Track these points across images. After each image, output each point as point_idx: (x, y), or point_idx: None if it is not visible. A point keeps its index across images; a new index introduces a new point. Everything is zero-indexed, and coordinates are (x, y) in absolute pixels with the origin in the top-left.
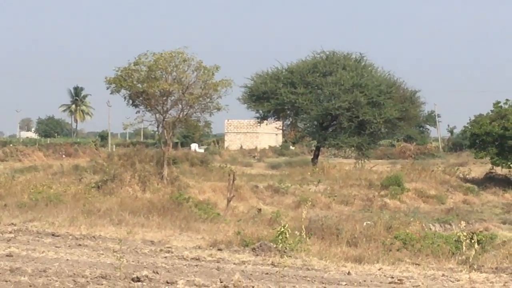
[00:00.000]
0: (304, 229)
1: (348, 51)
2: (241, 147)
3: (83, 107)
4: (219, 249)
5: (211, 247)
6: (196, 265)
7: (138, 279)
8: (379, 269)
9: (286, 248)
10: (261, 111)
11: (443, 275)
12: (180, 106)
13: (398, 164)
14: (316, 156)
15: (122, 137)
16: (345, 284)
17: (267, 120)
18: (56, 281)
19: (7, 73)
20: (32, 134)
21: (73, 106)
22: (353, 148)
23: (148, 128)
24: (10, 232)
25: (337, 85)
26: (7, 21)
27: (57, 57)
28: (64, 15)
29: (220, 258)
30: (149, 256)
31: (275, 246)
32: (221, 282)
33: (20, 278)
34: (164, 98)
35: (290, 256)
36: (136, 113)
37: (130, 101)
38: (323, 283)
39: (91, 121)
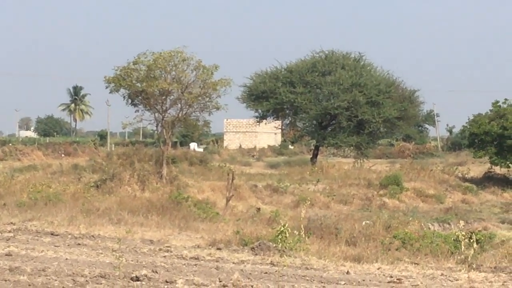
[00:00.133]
0: (303, 229)
1: (347, 50)
2: (240, 146)
3: (82, 106)
4: (218, 249)
5: (210, 247)
6: (195, 265)
7: (137, 278)
8: (378, 269)
9: (285, 248)
10: (260, 111)
11: (442, 274)
12: (179, 105)
13: (397, 163)
14: (315, 156)
15: (121, 136)
16: (344, 284)
17: (266, 119)
18: (55, 280)
19: (7, 73)
20: (31, 133)
21: (72, 105)
22: (352, 147)
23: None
24: (9, 231)
25: (336, 84)
26: (6, 21)
27: (57, 56)
28: (64, 14)
29: (219, 257)
30: (148, 255)
31: (274, 245)
32: (220, 281)
33: (19, 277)
34: (163, 97)
35: (289, 256)
36: (135, 112)
37: (129, 100)
38: (322, 282)
39: (90, 120)
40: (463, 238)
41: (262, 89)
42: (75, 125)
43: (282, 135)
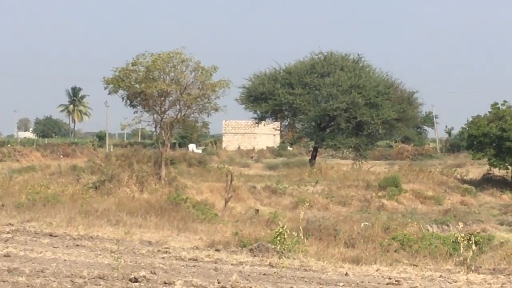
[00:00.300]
0: (301, 230)
1: (346, 52)
2: (239, 147)
3: (81, 108)
4: (217, 250)
5: (208, 248)
6: (194, 266)
7: (135, 280)
8: (377, 270)
9: (283, 249)
10: (259, 112)
11: (440, 276)
12: (178, 106)
13: (395, 165)
14: (313, 157)
15: (120, 138)
16: (343, 285)
17: (265, 120)
18: (54, 281)
19: (5, 73)
20: (30, 134)
21: (71, 106)
22: (350, 149)
23: (146, 128)
24: (8, 232)
25: (335, 86)
26: (5, 21)
27: (55, 57)
28: (63, 15)
29: (218, 258)
30: (146, 256)
31: (272, 247)
32: (218, 282)
33: (17, 279)
34: (162, 98)
35: (287, 257)
36: (134, 113)
37: (128, 102)
38: (320, 284)
39: (89, 122)
40: (462, 240)
41: (261, 91)
42: (74, 126)
43: (281, 136)
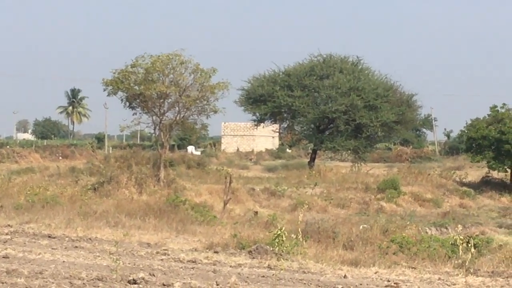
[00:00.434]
0: (300, 232)
1: (345, 54)
2: (238, 149)
3: (80, 109)
4: (216, 252)
5: (207, 250)
6: (193, 268)
7: (134, 281)
8: (375, 273)
9: (282, 251)
10: (258, 114)
11: (439, 278)
12: (177, 108)
13: (394, 167)
14: (312, 159)
15: (119, 139)
16: (341, 287)
17: (264, 123)
18: (53, 283)
19: (4, 74)
20: (28, 136)
21: (70, 108)
22: (349, 151)
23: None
24: (7, 234)
25: (334, 88)
26: (4, 22)
27: (55, 58)
28: (62, 16)
29: (217, 260)
30: (145, 258)
31: (271, 249)
32: (217, 284)
33: (16, 280)
34: (161, 100)
35: (286, 259)
36: (133, 115)
37: (127, 103)
38: (319, 286)
39: (88, 123)
40: (461, 242)
41: (260, 93)
42: (73, 127)
43: (280, 138)
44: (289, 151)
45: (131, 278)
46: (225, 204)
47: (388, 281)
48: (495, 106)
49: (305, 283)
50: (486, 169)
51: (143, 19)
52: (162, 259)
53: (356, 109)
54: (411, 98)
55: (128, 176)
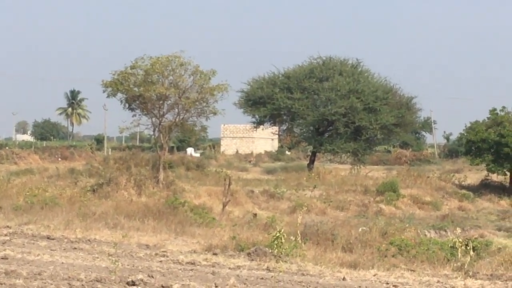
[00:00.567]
0: (299, 234)
1: (344, 56)
2: (237, 151)
3: (80, 111)
4: (214, 254)
5: (206, 252)
6: (191, 270)
7: (133, 283)
8: (374, 275)
9: (281, 253)
10: (257, 116)
11: (438, 281)
12: (176, 110)
13: (393, 170)
14: (312, 162)
15: (118, 141)
16: None
17: (263, 125)
18: (51, 284)
19: (4, 75)
20: (28, 137)
21: (70, 109)
22: (349, 153)
23: (144, 132)
24: (6, 235)
25: (333, 90)
26: (4, 23)
27: (54, 59)
28: (62, 16)
29: (215, 262)
30: (144, 260)
31: (270, 251)
32: (216, 286)
33: (15, 281)
34: (161, 102)
35: (285, 261)
36: (133, 117)
37: (127, 105)
38: None
39: (87, 125)
40: (460, 245)
41: (259, 95)
42: (72, 129)
43: (279, 140)
44: (289, 153)
45: (130, 279)
46: (224, 206)
47: (387, 283)
48: (495, 109)
49: (304, 285)
50: (485, 172)
51: (143, 19)
52: (161, 261)
53: (355, 111)
54: (411, 100)
55: (127, 177)
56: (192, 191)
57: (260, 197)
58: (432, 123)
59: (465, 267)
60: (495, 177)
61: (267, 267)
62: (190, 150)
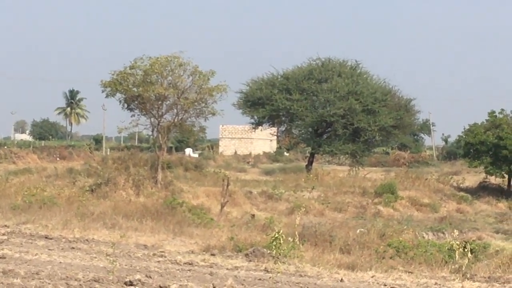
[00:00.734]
0: (297, 236)
1: (344, 58)
2: (236, 152)
3: (78, 110)
4: (212, 254)
5: (204, 252)
6: (189, 270)
7: (130, 283)
8: (372, 277)
9: (279, 254)
10: (256, 117)
11: (436, 283)
12: (175, 110)
13: (392, 172)
14: (310, 163)
15: (117, 141)
16: None
17: (262, 126)
18: (49, 283)
19: (3, 75)
20: (26, 137)
21: (68, 109)
22: (347, 155)
23: (142, 132)
24: (3, 234)
25: (332, 92)
26: (3, 22)
27: (54, 58)
28: (61, 16)
29: (213, 263)
30: (142, 260)
31: (268, 252)
32: (214, 287)
33: (12, 281)
34: (159, 102)
35: (283, 262)
36: (131, 117)
37: (125, 105)
38: None
39: (86, 124)
40: (458, 247)
41: (258, 96)
42: (71, 129)
43: (278, 142)
44: (287, 154)
45: (128, 279)
46: (222, 206)
47: (385, 285)
48: (493, 112)
49: (301, 287)
50: (484, 175)
51: (143, 19)
52: (158, 261)
53: (354, 113)
54: (409, 102)
55: (126, 177)
56: (191, 192)
57: (258, 198)
58: (431, 125)
59: (463, 269)
60: (493, 180)
61: (265, 268)
62: (188, 151)
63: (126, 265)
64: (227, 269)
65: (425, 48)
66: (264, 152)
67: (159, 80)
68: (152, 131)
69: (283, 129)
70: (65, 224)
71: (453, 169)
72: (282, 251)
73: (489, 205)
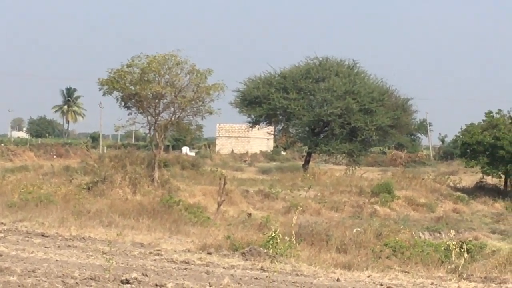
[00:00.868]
0: (294, 235)
1: (341, 57)
2: (232, 151)
3: (75, 108)
4: (209, 253)
5: (200, 251)
6: (185, 269)
7: (127, 281)
8: (368, 276)
9: (275, 253)
10: (253, 116)
11: (432, 283)
12: (172, 109)
13: (388, 171)
14: (307, 162)
15: (114, 139)
16: None
17: (258, 125)
18: (45, 281)
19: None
20: (23, 134)
21: (65, 107)
22: (344, 154)
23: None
24: (0, 232)
25: (329, 91)
26: (0, 20)
27: (51, 56)
28: (58, 14)
29: (210, 262)
30: (138, 258)
31: (264, 251)
32: (210, 286)
33: (9, 278)
34: (157, 100)
35: (279, 261)
36: (128, 115)
37: (123, 103)
38: None
39: (83, 122)
40: (454, 247)
41: (255, 95)
42: (68, 126)
43: (275, 141)
44: (284, 153)
45: (124, 278)
46: (219, 205)
47: (381, 285)
48: (490, 112)
49: (298, 286)
50: (480, 175)
51: (142, 19)
52: (155, 260)
53: (351, 112)
54: (407, 102)
55: (122, 176)
56: (187, 190)
57: (255, 197)
58: (428, 125)
59: (459, 269)
60: (490, 180)
61: (261, 267)
62: (185, 149)
63: (122, 264)
64: (223, 268)
65: (421, 48)
66: (261, 151)
67: (157, 79)
68: (149, 129)
69: (280, 128)
70: (62, 222)
71: (449, 169)
72: (278, 250)
73: (485, 205)
